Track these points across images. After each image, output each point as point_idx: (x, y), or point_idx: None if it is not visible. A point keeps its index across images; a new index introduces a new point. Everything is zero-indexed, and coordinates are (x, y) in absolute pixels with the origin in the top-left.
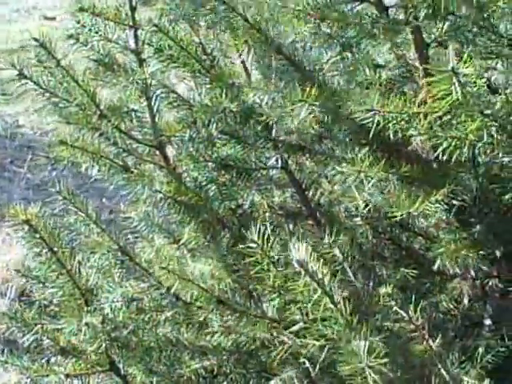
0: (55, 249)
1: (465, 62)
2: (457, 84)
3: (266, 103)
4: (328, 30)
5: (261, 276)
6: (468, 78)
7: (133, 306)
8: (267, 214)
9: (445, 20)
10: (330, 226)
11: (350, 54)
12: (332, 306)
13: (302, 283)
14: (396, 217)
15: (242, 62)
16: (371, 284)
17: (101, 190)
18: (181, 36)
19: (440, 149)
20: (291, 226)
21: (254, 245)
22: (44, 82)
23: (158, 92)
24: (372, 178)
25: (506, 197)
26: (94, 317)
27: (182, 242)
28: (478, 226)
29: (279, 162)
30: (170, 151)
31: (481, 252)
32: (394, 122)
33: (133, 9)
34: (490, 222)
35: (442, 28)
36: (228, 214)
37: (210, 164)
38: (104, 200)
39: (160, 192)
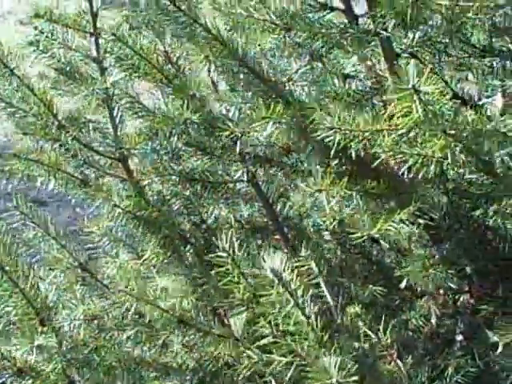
0: (7, 268)
1: (425, 81)
2: (417, 102)
3: (233, 114)
4: (297, 39)
5: (228, 289)
6: (430, 96)
7: (94, 324)
8: (233, 229)
9: (415, 30)
10: (298, 241)
11: (320, 64)
12: (304, 318)
13: (275, 293)
14: (358, 238)
15: (209, 71)
16: (340, 301)
17: (75, 198)
18: (141, 45)
19: (406, 166)
20: (259, 241)
21: (224, 254)
22: None
23: (121, 102)
24: (334, 197)
25: (477, 212)
26: (48, 338)
27: (144, 257)
28: (447, 243)
29: (245, 175)
30: (134, 164)
31: (449, 271)
32: (356, 140)
33: (94, 15)
34: (460, 238)
35: (413, 38)
36: (192, 229)
37: (174, 177)
38: (78, 210)
39: (118, 207)
